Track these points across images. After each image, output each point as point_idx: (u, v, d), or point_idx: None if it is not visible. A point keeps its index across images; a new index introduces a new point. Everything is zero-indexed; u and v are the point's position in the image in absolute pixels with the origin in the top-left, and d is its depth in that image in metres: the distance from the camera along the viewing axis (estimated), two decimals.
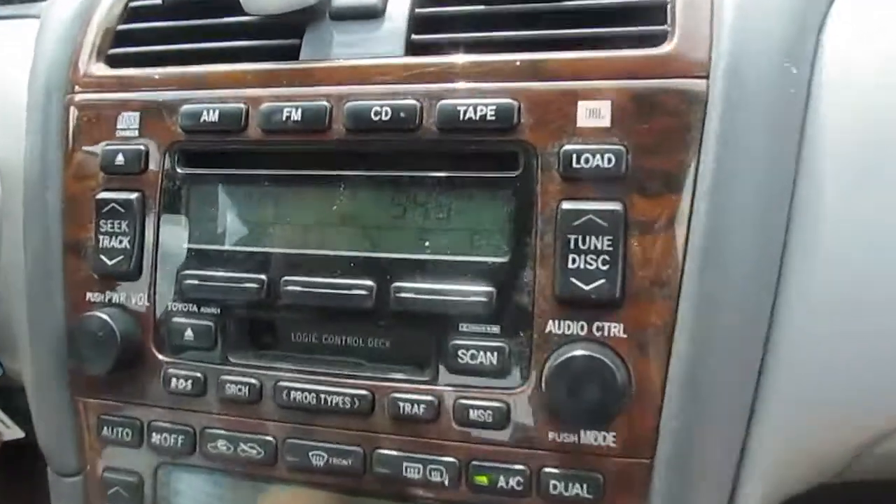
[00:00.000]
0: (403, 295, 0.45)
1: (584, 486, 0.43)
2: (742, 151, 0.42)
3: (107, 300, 0.52)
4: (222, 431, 0.49)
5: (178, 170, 0.51)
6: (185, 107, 0.50)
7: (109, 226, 0.52)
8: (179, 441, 0.50)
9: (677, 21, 0.44)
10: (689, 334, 0.42)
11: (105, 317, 0.50)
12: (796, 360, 0.43)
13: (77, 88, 0.55)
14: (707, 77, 0.43)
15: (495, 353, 0.44)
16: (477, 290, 0.44)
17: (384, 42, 0.48)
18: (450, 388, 0.45)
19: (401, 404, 0.45)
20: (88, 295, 0.53)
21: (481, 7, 0.48)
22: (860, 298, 0.43)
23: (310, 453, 0.47)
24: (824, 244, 0.43)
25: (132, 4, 0.57)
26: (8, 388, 0.68)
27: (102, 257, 0.52)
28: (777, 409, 0.43)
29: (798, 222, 0.43)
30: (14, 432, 0.72)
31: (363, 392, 0.46)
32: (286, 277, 0.47)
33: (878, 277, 0.43)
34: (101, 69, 0.55)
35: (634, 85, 0.43)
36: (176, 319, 0.50)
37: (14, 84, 0.59)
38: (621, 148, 0.43)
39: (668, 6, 0.45)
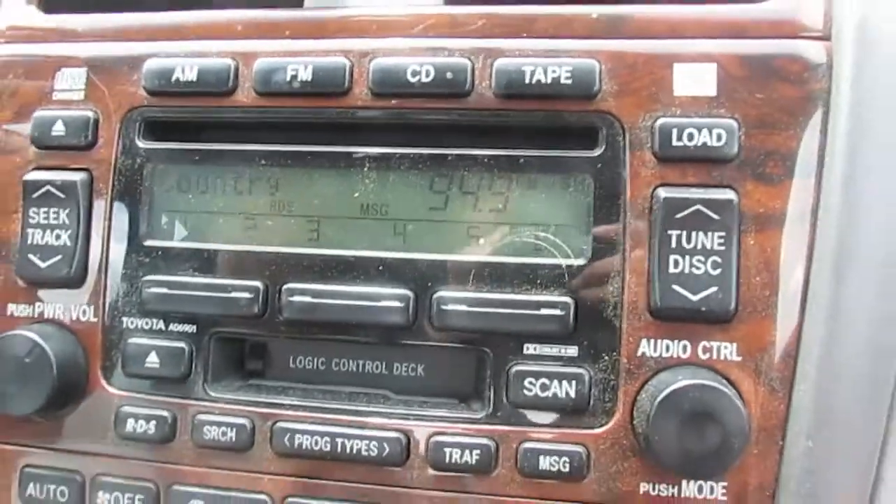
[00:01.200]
0: (450, 307, 0.35)
1: None
2: (879, 129, 0.34)
3: (37, 314, 0.40)
4: (198, 490, 0.37)
5: (140, 143, 0.40)
6: (151, 62, 0.39)
7: (43, 216, 0.40)
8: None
9: None
10: (817, 355, 0.33)
11: (34, 336, 0.38)
12: None
13: (1, 39, 0.42)
14: (829, 38, 0.35)
15: (572, 383, 0.35)
16: (547, 301, 0.35)
17: None
18: (511, 429, 0.35)
19: (447, 451, 0.35)
20: (11, 307, 0.40)
21: None
22: None
23: None
24: None
25: None
26: None
27: (32, 257, 0.40)
28: None
29: None
30: None
31: (393, 434, 0.36)
32: (289, 285, 0.37)
33: None
34: (31, 15, 0.43)
35: (743, 46, 0.35)
36: (134, 340, 0.38)
37: None
38: (732, 122, 0.35)
39: None
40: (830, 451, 0.35)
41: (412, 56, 0.37)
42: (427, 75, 0.37)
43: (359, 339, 0.37)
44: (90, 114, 0.40)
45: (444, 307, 0.35)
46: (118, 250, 0.40)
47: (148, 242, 0.39)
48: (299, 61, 0.38)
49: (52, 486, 0.39)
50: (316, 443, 0.36)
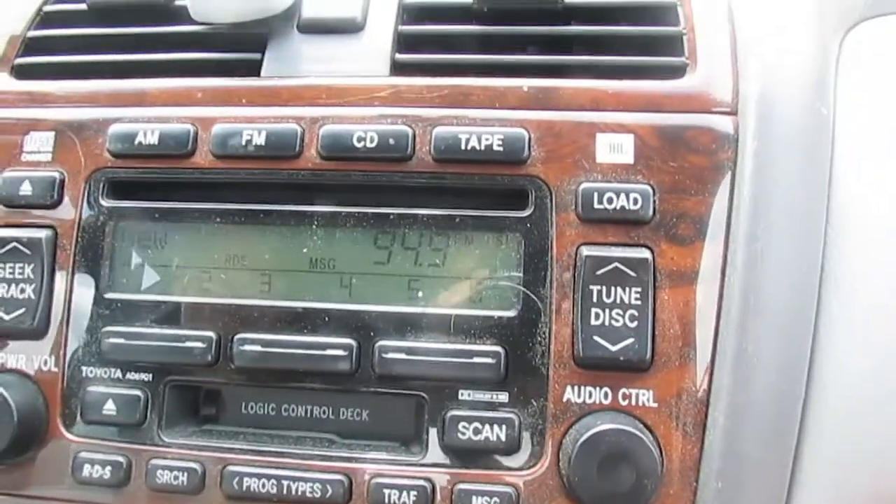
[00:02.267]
0: (391, 356, 0.38)
1: None
2: (779, 194, 0.38)
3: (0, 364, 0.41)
4: None
5: (103, 202, 0.42)
6: (116, 127, 0.42)
7: (8, 271, 0.42)
8: None
9: (697, 53, 0.40)
10: (727, 401, 0.36)
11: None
12: (836, 415, 0.38)
13: None
14: (736, 113, 0.39)
15: (503, 427, 0.37)
16: (480, 351, 0.37)
17: (365, 59, 0.42)
18: (446, 470, 0.37)
19: (385, 491, 0.37)
20: None
21: (476, 27, 0.43)
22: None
23: None
24: (859, 299, 0.39)
25: (47, 8, 0.48)
26: None
27: None
28: (817, 475, 0.38)
29: (830, 269, 0.39)
30: None
31: (337, 476, 0.38)
32: (241, 335, 0.39)
33: None
34: (4, 81, 0.46)
35: (659, 119, 0.39)
36: (93, 388, 0.40)
37: None
38: (648, 188, 0.38)
39: (685, 37, 0.41)
40: (739, 492, 0.37)
41: (358, 123, 0.40)
42: (371, 141, 0.40)
43: (306, 386, 0.39)
44: (56, 174, 0.42)
45: (385, 355, 0.38)
46: (80, 303, 0.42)
47: (108, 295, 0.41)
48: (254, 127, 0.41)
49: None
50: (263, 485, 0.38)
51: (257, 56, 0.43)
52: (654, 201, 0.38)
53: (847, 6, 0.49)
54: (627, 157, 0.39)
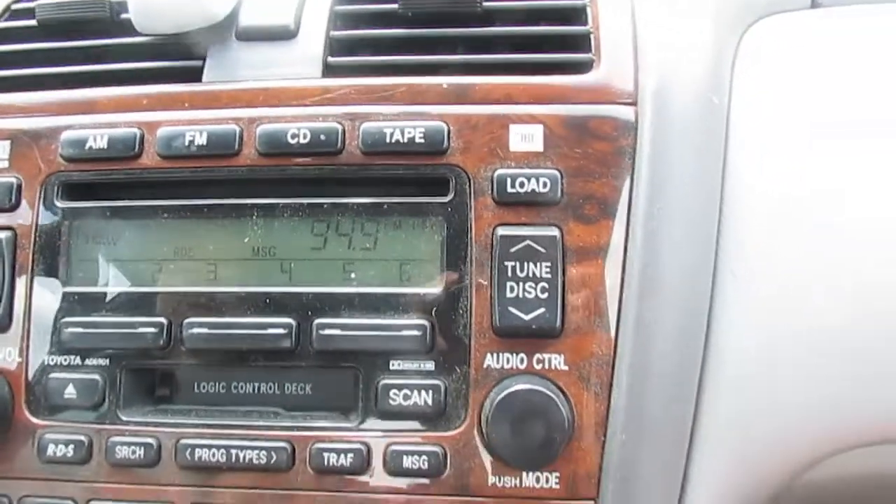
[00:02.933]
0: (327, 332, 0.42)
1: None
2: (674, 177, 0.42)
3: None
4: (112, 503, 0.42)
5: (58, 203, 0.45)
6: (68, 133, 0.45)
7: None
8: None
9: (602, 50, 0.44)
10: (629, 363, 0.40)
11: None
12: (732, 385, 0.43)
13: None
14: (635, 104, 0.43)
15: (430, 392, 0.41)
16: (409, 324, 0.41)
17: (299, 64, 0.46)
18: (380, 434, 0.41)
19: (325, 455, 0.41)
20: None
21: (401, 31, 0.46)
22: (784, 326, 0.43)
23: None
24: (751, 271, 0.43)
25: (1, 24, 0.51)
26: None
27: None
28: (714, 439, 0.42)
29: (725, 248, 0.43)
30: None
31: (281, 444, 0.41)
32: (189, 319, 0.43)
33: (799, 300, 0.43)
34: None
35: (566, 110, 0.43)
36: (54, 375, 0.44)
37: None
38: (556, 172, 0.42)
39: (592, 35, 0.45)
40: (642, 445, 0.41)
41: (292, 122, 0.43)
42: (304, 137, 0.43)
43: (252, 364, 0.43)
44: (13, 180, 0.45)
45: (321, 332, 0.41)
46: (40, 298, 0.45)
47: (66, 289, 0.45)
48: (196, 129, 0.44)
49: None
50: (213, 455, 0.41)
51: (199, 63, 0.46)
52: (562, 184, 0.42)
53: (746, 5, 0.53)
54: (537, 146, 0.42)
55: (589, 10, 0.46)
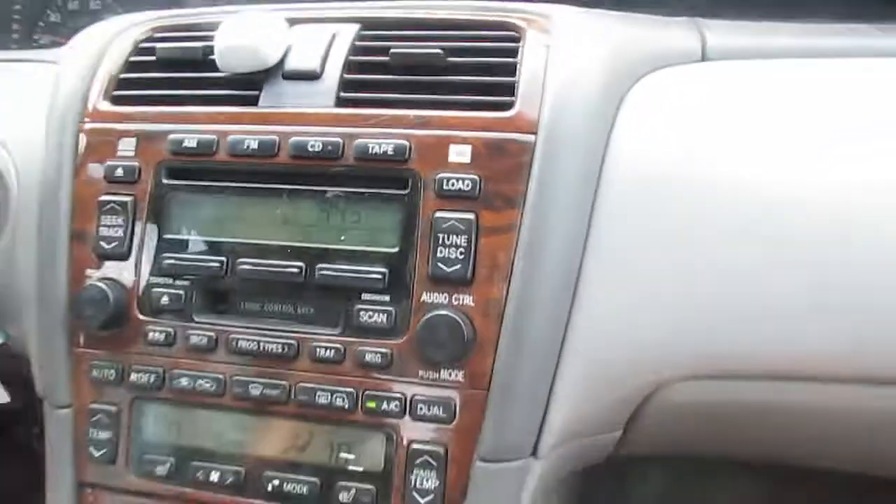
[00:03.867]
0: (324, 273, 0.63)
1: (441, 408, 0.61)
2: (557, 182, 0.61)
3: (103, 276, 0.68)
4: (185, 372, 0.66)
5: (164, 181, 0.68)
6: (172, 136, 0.68)
7: (108, 220, 0.68)
8: (151, 379, 0.67)
9: (519, 94, 0.64)
10: (515, 303, 0.59)
11: (103, 286, 0.66)
12: (592, 325, 0.63)
13: (87, 120, 0.71)
14: (535, 133, 0.63)
15: (385, 315, 0.62)
16: (375, 271, 0.62)
17: (320, 96, 0.67)
18: (353, 340, 0.63)
19: (317, 350, 0.64)
20: (88, 271, 0.68)
21: (389, 77, 0.68)
22: (631, 288, 0.63)
23: (249, 386, 0.65)
24: (611, 250, 0.63)
25: (132, 59, 0.76)
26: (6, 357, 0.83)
27: (102, 243, 0.68)
28: (575, 360, 0.61)
29: (594, 231, 0.63)
30: (2, 398, 0.86)
31: (291, 342, 0.64)
32: (240, 259, 0.65)
33: (642, 273, 0.63)
34: (107, 106, 0.71)
35: (488, 136, 0.62)
36: (155, 290, 0.67)
37: (32, 111, 0.77)
38: (476, 177, 0.61)
39: (516, 83, 0.66)
40: (521, 355, 0.62)
41: (312, 137, 0.65)
42: (318, 147, 0.64)
43: (277, 291, 0.66)
44: (137, 164, 0.68)
45: (320, 272, 0.62)
46: (149, 240, 0.68)
47: (165, 235, 0.68)
48: (251, 138, 0.65)
49: (106, 370, 0.68)
50: (249, 345, 0.65)
51: (256, 93, 0.69)
52: (480, 186, 0.61)
53: (639, 59, 0.71)
54: (466, 159, 0.62)
55: (517, 64, 0.67)
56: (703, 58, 0.70)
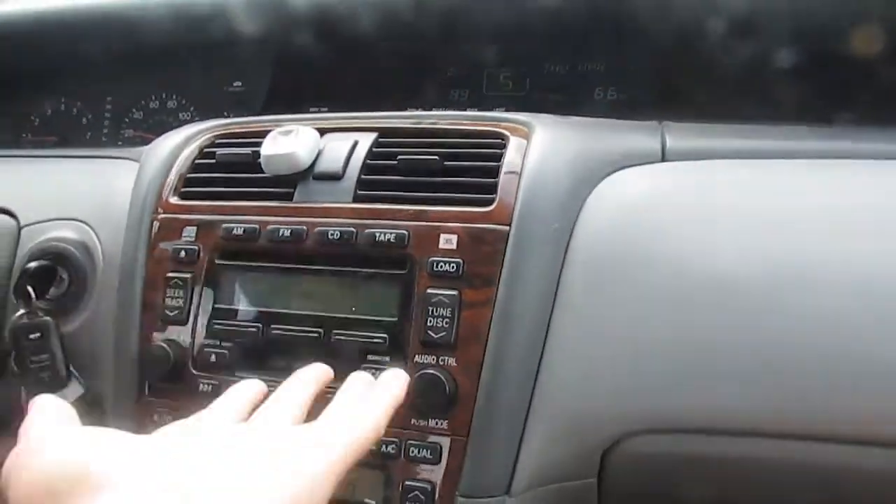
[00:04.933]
0: (338, 337, 0.75)
1: (429, 451, 0.72)
2: (527, 267, 0.75)
3: (166, 337, 0.80)
4: None
5: (217, 261, 0.84)
6: (224, 225, 0.84)
7: (172, 293, 0.80)
8: None
9: (499, 191, 0.78)
10: (490, 364, 0.68)
11: (165, 346, 0.78)
12: (556, 383, 0.74)
13: (160, 210, 0.86)
14: (509, 225, 0.75)
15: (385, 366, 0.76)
16: (378, 336, 0.72)
17: (341, 194, 0.81)
18: None
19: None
20: (155, 334, 0.81)
21: (396, 177, 0.84)
22: (591, 352, 0.76)
23: None
24: (572, 321, 0.76)
25: (196, 161, 0.94)
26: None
27: (166, 311, 0.81)
28: (542, 413, 0.69)
29: (558, 304, 0.76)
30: None
31: None
32: (272, 325, 0.79)
33: (601, 340, 0.76)
34: (176, 200, 0.84)
35: (470, 227, 0.75)
36: (206, 349, 0.80)
37: (115, 198, 0.96)
38: (460, 261, 0.71)
39: (497, 182, 0.80)
40: (495, 410, 0.74)
41: (332, 227, 0.81)
42: (337, 235, 0.81)
43: (302, 351, 0.82)
44: (196, 247, 0.85)
45: (335, 336, 0.77)
46: (203, 309, 0.85)
47: (216, 306, 0.85)
48: (285, 227, 0.80)
49: (167, 416, 0.85)
50: None
51: (291, 190, 0.86)
52: (463, 268, 0.75)
53: (603, 160, 0.83)
54: (453, 245, 0.74)
55: (500, 167, 0.82)
56: (663, 158, 0.80)
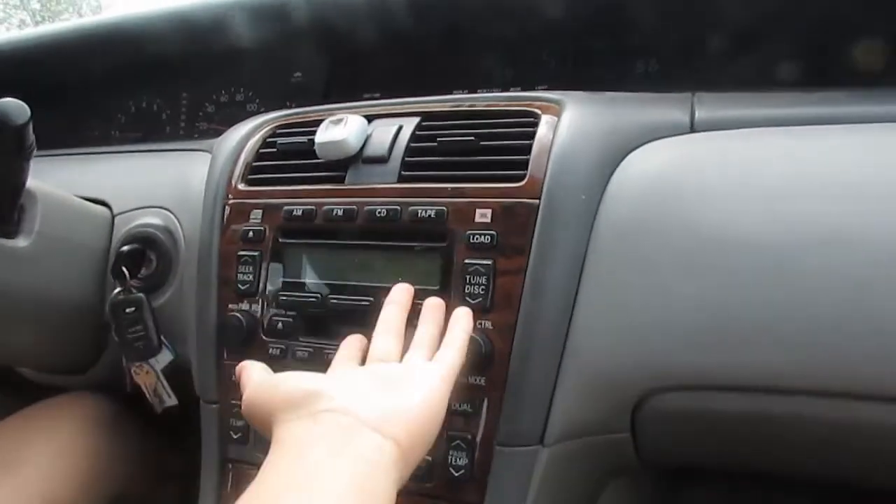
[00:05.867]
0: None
1: (469, 405, 0.80)
2: (555, 237, 0.82)
3: (240, 308, 0.89)
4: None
5: (280, 240, 0.93)
6: (285, 207, 0.93)
7: (243, 269, 0.89)
8: None
9: (530, 167, 0.85)
10: (522, 326, 0.74)
11: (240, 316, 0.87)
12: (584, 344, 0.81)
13: (230, 196, 0.94)
14: (539, 198, 0.82)
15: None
16: (423, 303, 0.86)
17: (388, 175, 0.88)
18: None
19: None
20: (230, 305, 0.89)
21: (437, 158, 0.91)
22: (617, 313, 0.82)
23: None
24: (600, 286, 0.82)
25: (261, 151, 1.04)
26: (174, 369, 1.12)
27: (239, 285, 0.89)
28: (572, 369, 0.76)
29: (586, 271, 0.82)
30: (172, 401, 1.08)
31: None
32: (330, 295, 0.89)
33: (626, 301, 0.81)
34: (244, 186, 0.91)
35: (503, 201, 0.81)
36: (274, 318, 0.89)
37: (192, 187, 1.07)
38: (494, 233, 0.78)
39: (529, 158, 0.87)
40: (527, 367, 0.81)
41: (380, 205, 0.89)
42: (383, 213, 0.89)
43: (357, 318, 0.91)
44: (262, 228, 0.95)
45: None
46: (271, 283, 0.95)
47: (282, 279, 0.95)
48: (339, 207, 0.88)
49: None
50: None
51: (343, 174, 0.95)
52: (497, 239, 0.82)
53: (632, 133, 0.84)
54: (488, 220, 0.80)
55: (532, 144, 0.88)
56: (692, 129, 0.83)
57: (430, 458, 0.81)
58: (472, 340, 0.80)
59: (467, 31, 1.22)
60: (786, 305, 0.76)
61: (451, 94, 1.01)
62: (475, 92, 1.18)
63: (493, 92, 1.16)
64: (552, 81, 1.14)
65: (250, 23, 1.22)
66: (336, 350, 0.86)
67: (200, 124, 1.34)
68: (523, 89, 1.13)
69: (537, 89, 1.07)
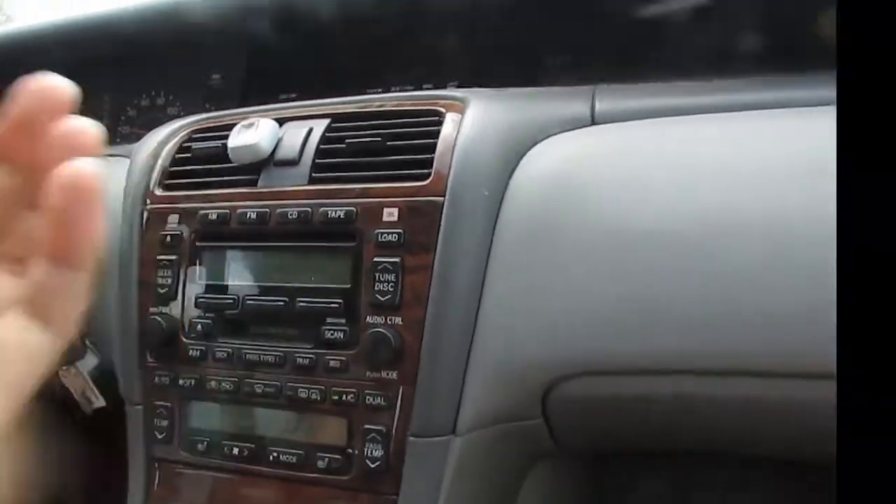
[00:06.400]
0: (301, 304, 0.85)
1: (383, 399, 0.83)
2: (460, 233, 0.84)
3: (160, 311, 0.90)
4: (213, 378, 0.92)
5: (197, 243, 0.94)
6: (201, 211, 0.95)
7: (162, 273, 0.90)
8: (192, 384, 0.93)
9: (434, 166, 0.87)
10: (431, 321, 0.76)
11: (160, 319, 0.89)
12: (491, 336, 0.84)
13: (149, 201, 0.93)
14: (444, 196, 0.85)
15: (342, 333, 0.81)
16: (335, 301, 0.84)
17: (298, 178, 0.91)
18: (321, 352, 0.86)
19: (298, 360, 0.88)
20: (151, 308, 0.90)
21: (345, 159, 0.93)
22: (521, 305, 0.85)
23: (254, 387, 0.91)
24: (505, 280, 0.86)
25: (177, 156, 1.04)
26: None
27: (158, 289, 0.90)
28: (480, 361, 0.80)
29: (491, 265, 0.85)
30: (100, 402, 1.07)
31: (280, 354, 0.85)
32: (246, 296, 0.93)
33: (530, 294, 0.85)
34: (160, 192, 0.92)
35: (410, 201, 0.85)
36: (193, 320, 0.94)
37: (112, 192, 1.08)
38: (402, 231, 0.80)
39: (433, 157, 0.89)
40: (435, 363, 0.85)
41: (291, 208, 0.91)
42: (295, 215, 0.91)
43: (270, 318, 0.93)
44: (180, 232, 0.97)
45: (299, 304, 0.88)
46: (189, 286, 0.97)
47: (199, 282, 0.97)
48: (251, 210, 0.91)
49: (163, 378, 0.97)
50: (254, 357, 0.92)
51: (256, 177, 0.96)
52: (404, 237, 0.85)
53: (533, 128, 0.91)
54: (395, 218, 0.83)
55: (436, 143, 0.90)
56: (593, 122, 0.86)
57: (342, 455, 0.84)
58: (381, 337, 0.83)
59: (380, 30, 1.24)
60: (681, 292, 0.80)
61: (364, 93, 1.02)
62: (389, 91, 1.20)
63: (405, 90, 1.18)
64: (464, 78, 1.16)
65: (167, 25, 1.23)
66: (254, 350, 0.88)
67: (122, 128, 1.34)
68: (436, 86, 1.16)
69: (448, 87, 1.10)
